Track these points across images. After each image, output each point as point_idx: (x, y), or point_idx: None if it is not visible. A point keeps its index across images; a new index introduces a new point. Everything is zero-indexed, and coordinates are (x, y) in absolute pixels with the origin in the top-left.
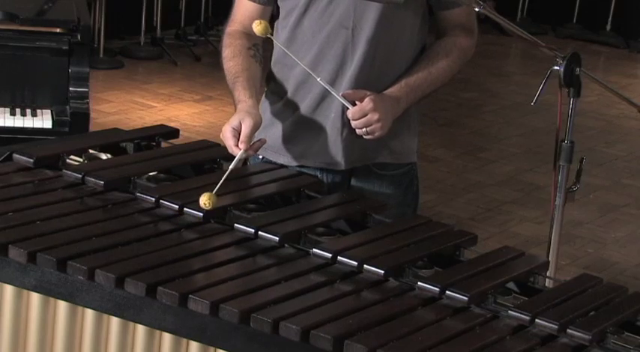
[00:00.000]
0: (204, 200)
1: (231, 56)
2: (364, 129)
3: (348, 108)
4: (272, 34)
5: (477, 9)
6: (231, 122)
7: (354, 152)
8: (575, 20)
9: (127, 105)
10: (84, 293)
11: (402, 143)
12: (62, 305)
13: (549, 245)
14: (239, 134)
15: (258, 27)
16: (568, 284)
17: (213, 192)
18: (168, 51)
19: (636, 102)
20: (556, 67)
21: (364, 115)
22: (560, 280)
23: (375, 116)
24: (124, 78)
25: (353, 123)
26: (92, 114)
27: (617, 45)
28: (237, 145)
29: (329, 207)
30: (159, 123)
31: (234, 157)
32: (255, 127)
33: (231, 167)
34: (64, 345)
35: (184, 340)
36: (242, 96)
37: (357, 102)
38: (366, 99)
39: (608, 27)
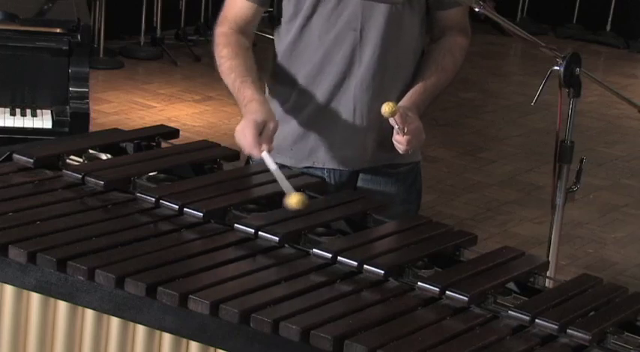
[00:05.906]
0: (295, 201)
1: (233, 55)
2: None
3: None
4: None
5: (477, 9)
6: (253, 119)
7: (367, 153)
8: (575, 20)
9: (127, 106)
10: (84, 293)
11: None
12: (62, 305)
13: (549, 245)
14: (260, 132)
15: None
16: (568, 284)
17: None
18: (168, 51)
19: (636, 102)
20: (556, 67)
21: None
22: (560, 280)
23: (423, 135)
24: (124, 78)
25: (406, 148)
26: (92, 114)
27: (617, 45)
28: (259, 144)
29: (329, 207)
30: (159, 123)
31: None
32: (276, 129)
33: (275, 171)
34: (64, 345)
35: (184, 340)
36: (256, 94)
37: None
38: (412, 126)
39: (608, 27)
